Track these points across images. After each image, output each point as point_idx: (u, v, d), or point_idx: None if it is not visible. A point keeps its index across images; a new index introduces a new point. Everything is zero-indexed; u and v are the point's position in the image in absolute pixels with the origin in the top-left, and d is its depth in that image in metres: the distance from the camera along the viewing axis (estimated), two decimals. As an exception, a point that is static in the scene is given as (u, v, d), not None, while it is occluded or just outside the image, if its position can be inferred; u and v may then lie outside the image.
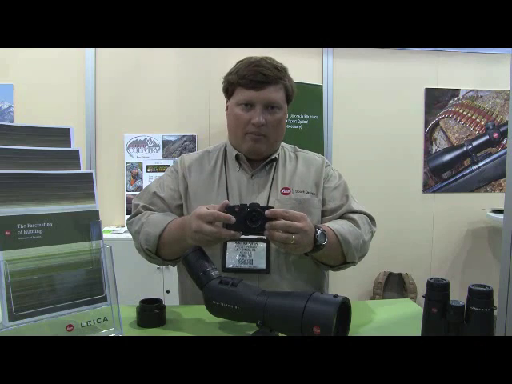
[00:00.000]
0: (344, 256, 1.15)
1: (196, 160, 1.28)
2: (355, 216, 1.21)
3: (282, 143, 1.30)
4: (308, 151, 1.34)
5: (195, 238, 1.01)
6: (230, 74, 1.20)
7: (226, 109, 1.25)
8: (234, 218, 0.97)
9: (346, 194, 1.26)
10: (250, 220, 0.98)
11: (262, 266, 1.15)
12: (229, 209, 0.99)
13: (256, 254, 1.15)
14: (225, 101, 1.26)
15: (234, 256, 1.15)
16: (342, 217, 1.23)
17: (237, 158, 1.24)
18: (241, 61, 1.20)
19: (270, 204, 1.18)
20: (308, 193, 1.23)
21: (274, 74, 1.15)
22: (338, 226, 1.15)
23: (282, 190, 1.21)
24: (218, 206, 1.00)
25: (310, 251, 1.08)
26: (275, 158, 1.24)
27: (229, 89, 1.21)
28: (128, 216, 1.25)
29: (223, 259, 1.15)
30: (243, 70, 1.16)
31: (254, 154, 1.22)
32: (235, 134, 1.21)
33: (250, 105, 1.16)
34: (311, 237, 1.04)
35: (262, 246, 1.15)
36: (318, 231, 1.06)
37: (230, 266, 1.15)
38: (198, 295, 0.98)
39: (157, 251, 1.16)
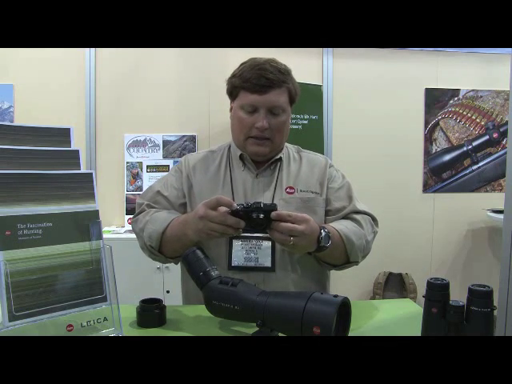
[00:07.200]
0: (347, 256, 1.16)
1: (200, 160, 1.28)
2: (358, 216, 1.22)
3: (286, 143, 1.30)
4: (311, 152, 1.34)
5: (198, 227, 1.02)
6: (233, 76, 1.20)
7: (231, 109, 1.25)
8: (243, 223, 1.00)
9: (350, 194, 1.26)
10: (255, 222, 1.00)
11: (268, 264, 1.15)
12: (234, 212, 1.00)
13: (261, 253, 1.16)
14: (225, 101, 1.26)
15: (240, 254, 1.15)
16: (345, 217, 1.23)
17: (241, 157, 1.24)
18: (244, 62, 1.19)
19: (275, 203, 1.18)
20: (312, 192, 1.23)
21: (278, 78, 1.15)
22: (342, 226, 1.16)
23: (286, 189, 1.22)
24: (225, 199, 1.02)
25: (313, 251, 1.09)
26: (280, 157, 1.25)
27: (233, 92, 1.20)
28: (128, 216, 1.26)
29: (229, 258, 1.16)
30: (247, 73, 1.15)
31: (258, 156, 1.22)
32: (238, 137, 1.22)
33: (253, 108, 1.16)
34: (313, 238, 1.05)
35: (267, 244, 1.16)
36: (323, 233, 1.07)
37: (236, 264, 1.15)
38: (201, 295, 0.98)
39: (160, 248, 1.16)
